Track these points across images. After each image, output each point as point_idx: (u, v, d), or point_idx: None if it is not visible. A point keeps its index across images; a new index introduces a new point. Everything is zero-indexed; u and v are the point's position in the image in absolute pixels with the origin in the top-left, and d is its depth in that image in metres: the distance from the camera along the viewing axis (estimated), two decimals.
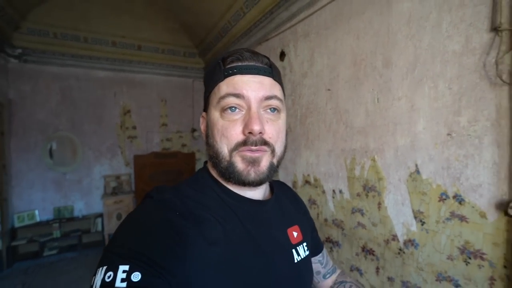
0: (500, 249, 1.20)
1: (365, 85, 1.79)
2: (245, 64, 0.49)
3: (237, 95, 0.48)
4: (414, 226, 1.53)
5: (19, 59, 3.51)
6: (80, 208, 3.84)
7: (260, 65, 0.50)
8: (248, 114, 0.48)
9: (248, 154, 0.48)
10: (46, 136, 3.68)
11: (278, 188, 0.64)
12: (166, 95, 4.43)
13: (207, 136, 0.54)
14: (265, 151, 0.49)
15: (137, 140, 4.23)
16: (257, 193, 0.55)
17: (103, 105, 3.98)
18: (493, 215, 1.22)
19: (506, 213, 1.16)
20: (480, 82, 1.25)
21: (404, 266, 1.59)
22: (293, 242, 0.57)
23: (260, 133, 0.47)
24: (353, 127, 1.89)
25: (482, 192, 1.25)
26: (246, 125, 0.47)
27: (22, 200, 3.53)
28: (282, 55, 2.63)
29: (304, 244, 0.59)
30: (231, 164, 0.49)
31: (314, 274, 0.70)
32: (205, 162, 0.59)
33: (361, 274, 1.86)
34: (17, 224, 3.41)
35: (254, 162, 0.48)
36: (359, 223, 1.87)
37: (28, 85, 3.59)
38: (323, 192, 2.18)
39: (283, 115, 0.53)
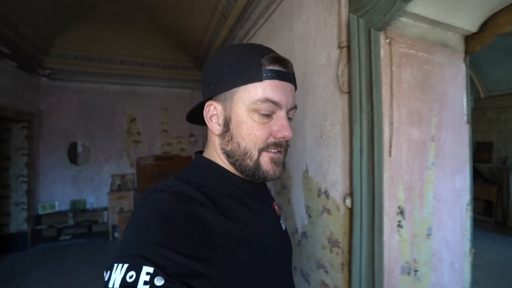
0: (347, 237, 1.35)
1: None
2: (284, 70, 0.49)
3: (276, 103, 0.48)
4: (306, 220, 1.71)
5: (48, 77, 4.34)
6: (91, 201, 4.51)
7: (291, 71, 0.51)
8: (281, 120, 0.50)
9: (276, 156, 0.51)
10: (67, 140, 4.44)
11: None
12: (167, 105, 4.99)
13: (225, 130, 0.52)
14: (285, 150, 0.54)
15: (141, 144, 4.83)
16: None
17: (113, 114, 4.65)
18: (342, 208, 1.38)
19: None
20: (335, 91, 1.43)
21: (301, 256, 1.76)
22: (278, 214, 0.65)
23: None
24: None
25: (338, 187, 1.42)
26: (280, 130, 0.50)
27: (45, 192, 4.29)
28: None
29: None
30: (257, 164, 0.51)
31: None
32: (198, 152, 0.60)
33: None
34: (40, 212, 4.16)
35: (278, 163, 0.52)
36: None
37: (54, 98, 4.39)
38: None
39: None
